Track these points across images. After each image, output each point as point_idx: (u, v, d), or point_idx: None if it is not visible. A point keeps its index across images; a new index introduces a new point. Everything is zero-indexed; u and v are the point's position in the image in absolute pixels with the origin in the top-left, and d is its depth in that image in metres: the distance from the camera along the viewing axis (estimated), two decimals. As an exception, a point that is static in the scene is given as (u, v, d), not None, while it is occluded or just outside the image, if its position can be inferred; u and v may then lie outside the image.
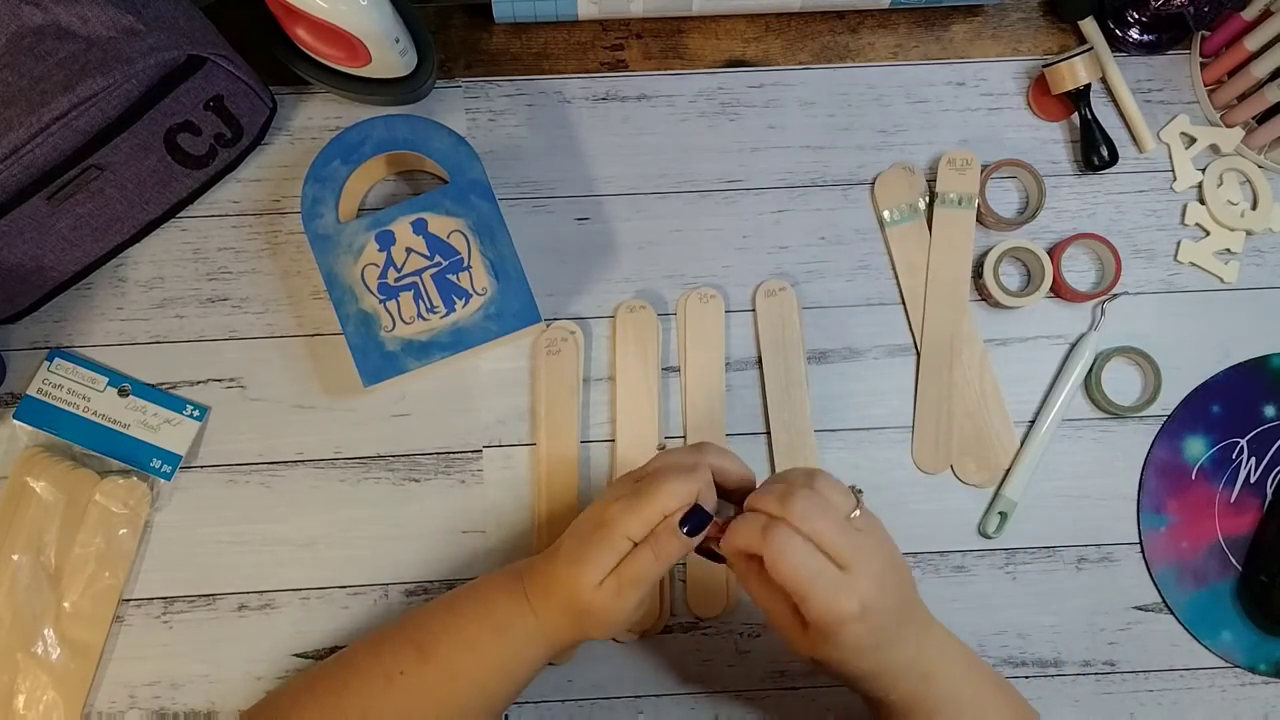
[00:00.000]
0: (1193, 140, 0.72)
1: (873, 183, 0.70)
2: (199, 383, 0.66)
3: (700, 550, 0.54)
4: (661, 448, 0.60)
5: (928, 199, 0.70)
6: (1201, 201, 0.71)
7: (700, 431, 0.66)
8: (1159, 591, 0.66)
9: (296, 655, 0.64)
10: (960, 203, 0.69)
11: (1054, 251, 0.69)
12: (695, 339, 0.67)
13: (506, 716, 0.64)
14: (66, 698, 0.61)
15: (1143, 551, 0.67)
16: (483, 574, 0.58)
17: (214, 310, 0.67)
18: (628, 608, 0.52)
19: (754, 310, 0.68)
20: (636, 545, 0.52)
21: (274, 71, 0.67)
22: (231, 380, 0.67)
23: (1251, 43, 0.68)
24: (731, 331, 0.68)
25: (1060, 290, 0.68)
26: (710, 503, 0.53)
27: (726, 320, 0.68)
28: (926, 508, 0.66)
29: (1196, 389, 0.69)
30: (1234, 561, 0.67)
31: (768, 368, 0.67)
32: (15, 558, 0.62)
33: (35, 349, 0.66)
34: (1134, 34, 0.72)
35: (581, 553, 0.52)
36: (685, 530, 0.51)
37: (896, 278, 0.69)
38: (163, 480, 0.64)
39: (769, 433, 0.67)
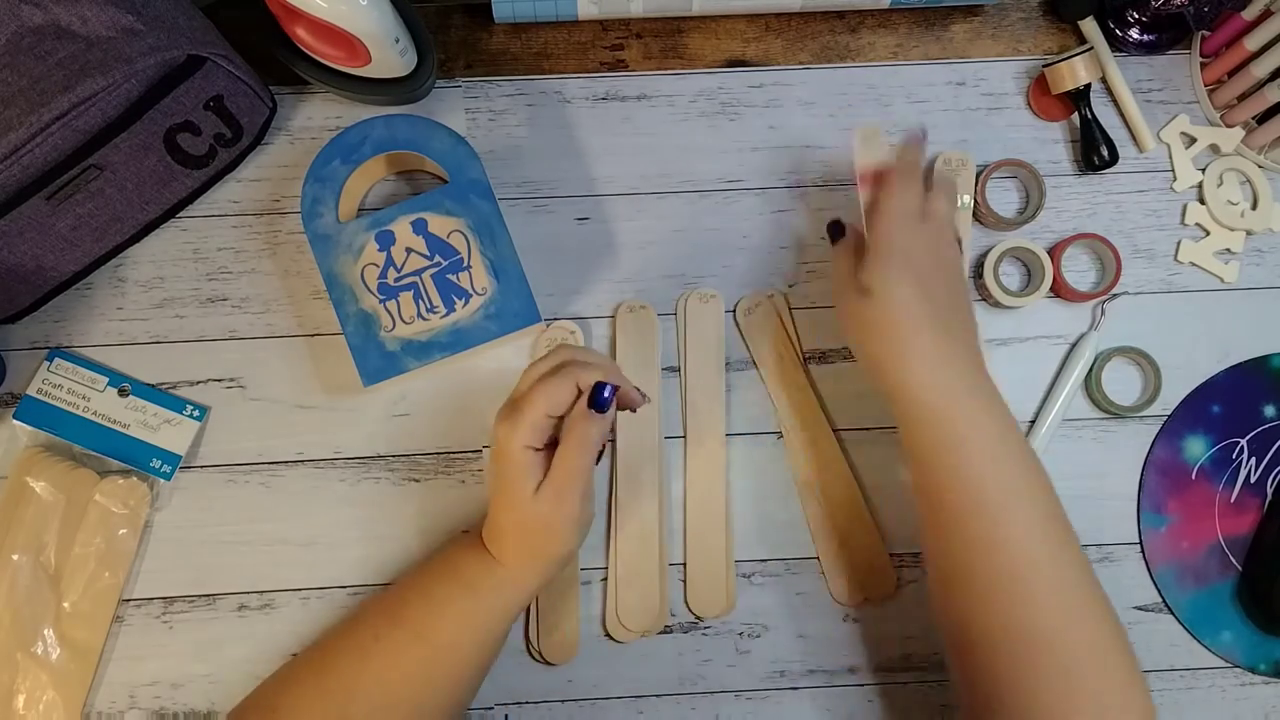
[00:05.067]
0: (1193, 140, 0.72)
1: (873, 183, 0.70)
2: (199, 383, 0.66)
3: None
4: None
5: (928, 199, 0.70)
6: (1201, 201, 0.71)
7: (700, 431, 0.66)
8: (1159, 591, 0.66)
9: (296, 655, 0.64)
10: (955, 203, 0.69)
11: (1054, 251, 0.69)
12: (695, 339, 0.67)
13: (506, 716, 0.64)
14: (66, 698, 0.61)
15: (1143, 551, 0.67)
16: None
17: (214, 310, 0.67)
18: (573, 509, 0.53)
19: (738, 327, 0.68)
20: (560, 447, 0.53)
21: (274, 71, 0.67)
22: (231, 380, 0.67)
23: (1251, 43, 0.68)
24: (731, 331, 0.68)
25: (1060, 290, 0.68)
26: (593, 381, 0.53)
27: (726, 320, 0.68)
28: (926, 508, 0.66)
29: (1196, 389, 0.69)
30: (1234, 561, 0.67)
31: (770, 384, 0.67)
32: (15, 558, 0.62)
33: (35, 349, 0.66)
34: (1134, 34, 0.72)
35: (498, 482, 0.54)
36: (595, 408, 0.52)
37: (896, 278, 0.69)
38: (163, 480, 0.64)
39: (779, 433, 0.67)
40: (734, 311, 0.68)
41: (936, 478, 0.54)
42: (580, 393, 0.53)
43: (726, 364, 0.68)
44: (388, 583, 0.65)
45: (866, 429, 0.68)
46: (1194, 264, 0.70)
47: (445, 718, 0.56)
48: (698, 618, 0.65)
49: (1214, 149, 0.72)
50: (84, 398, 0.65)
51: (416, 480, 0.66)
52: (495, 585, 0.55)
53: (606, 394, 0.53)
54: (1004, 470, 0.53)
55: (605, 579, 0.65)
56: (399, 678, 0.54)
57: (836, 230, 0.61)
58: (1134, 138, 0.72)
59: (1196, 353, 0.69)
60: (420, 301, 0.63)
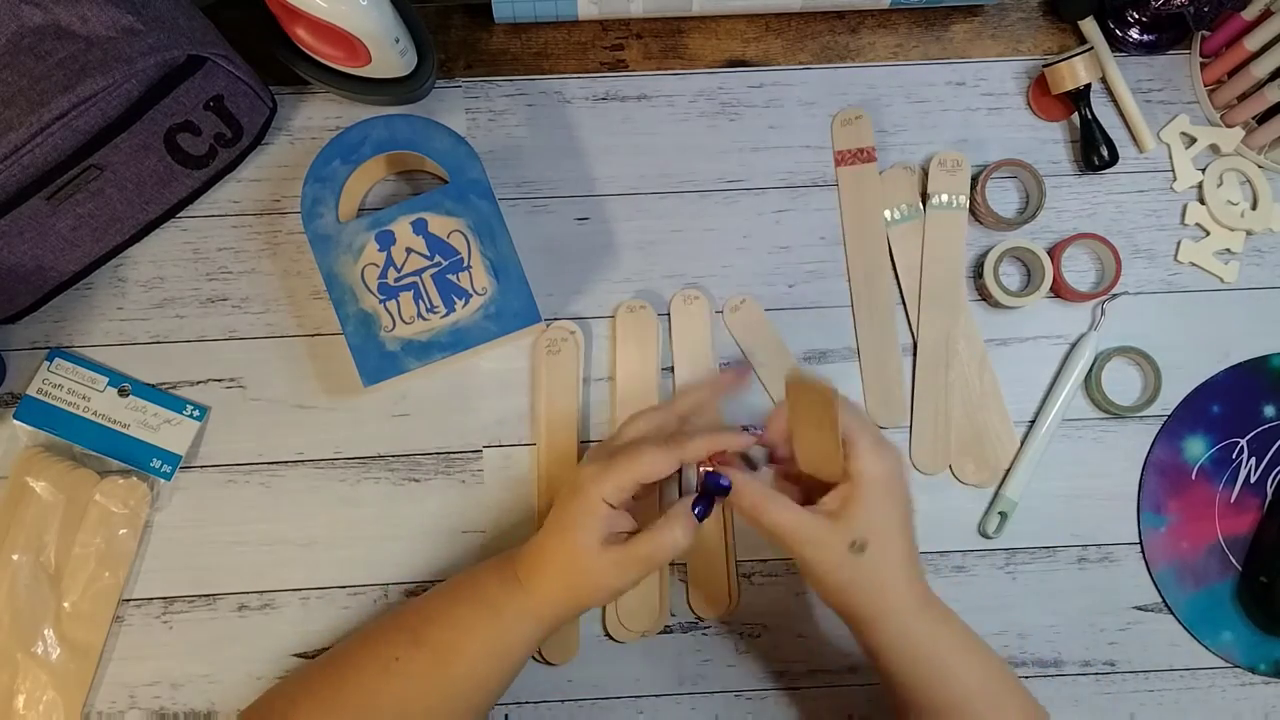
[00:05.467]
0: (1193, 140, 0.72)
1: (873, 183, 0.70)
2: (199, 383, 0.66)
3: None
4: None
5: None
6: (1201, 201, 0.71)
7: (700, 431, 0.66)
8: (1159, 591, 0.66)
9: (296, 655, 0.64)
10: (951, 203, 0.69)
11: (1054, 251, 0.69)
12: (683, 340, 0.67)
13: (506, 716, 0.64)
14: (66, 698, 0.61)
15: (1143, 551, 0.67)
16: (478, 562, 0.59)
17: (214, 310, 0.67)
18: (626, 583, 0.55)
19: (726, 328, 0.68)
20: (649, 529, 0.54)
21: (274, 71, 0.67)
22: (231, 380, 0.67)
23: (1251, 43, 0.68)
24: (722, 332, 0.68)
25: (1060, 290, 0.68)
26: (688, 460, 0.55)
27: (719, 320, 0.68)
28: (926, 508, 0.66)
29: (1196, 389, 0.69)
30: (1234, 561, 0.67)
31: (763, 375, 0.68)
32: (15, 558, 0.62)
33: (35, 349, 0.66)
34: (1134, 34, 0.72)
35: (564, 519, 0.54)
36: (697, 513, 0.54)
37: (897, 278, 0.69)
38: (163, 480, 0.64)
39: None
40: (723, 312, 0.68)
41: (926, 701, 0.54)
42: (679, 469, 0.54)
43: (725, 365, 0.68)
44: (387, 583, 0.65)
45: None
46: (1194, 264, 0.70)
47: None
48: (698, 618, 0.65)
49: (1214, 149, 0.72)
50: (84, 398, 0.65)
51: (416, 480, 0.66)
52: (520, 614, 0.55)
53: (698, 511, 0.54)
54: (980, 677, 0.54)
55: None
56: (418, 698, 0.54)
57: (718, 484, 0.54)
58: (1134, 138, 0.72)
59: (1196, 353, 0.69)
60: (420, 301, 0.63)
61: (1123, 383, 0.69)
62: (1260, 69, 0.68)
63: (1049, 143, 0.72)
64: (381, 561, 0.65)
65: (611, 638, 0.64)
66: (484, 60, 0.72)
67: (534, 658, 0.64)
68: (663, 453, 0.54)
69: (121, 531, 0.63)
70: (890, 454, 0.53)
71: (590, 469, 0.54)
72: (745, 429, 0.57)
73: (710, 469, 0.54)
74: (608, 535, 0.54)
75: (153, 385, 0.66)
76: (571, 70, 0.72)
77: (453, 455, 0.66)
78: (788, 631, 0.65)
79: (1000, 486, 0.67)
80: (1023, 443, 0.67)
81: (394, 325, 0.62)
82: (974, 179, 0.70)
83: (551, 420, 0.66)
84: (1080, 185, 0.71)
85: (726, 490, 0.54)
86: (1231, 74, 0.71)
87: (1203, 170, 0.71)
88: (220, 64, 0.60)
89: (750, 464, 0.59)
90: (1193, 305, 0.70)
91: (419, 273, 0.63)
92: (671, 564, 0.65)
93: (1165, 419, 0.68)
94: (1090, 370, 0.68)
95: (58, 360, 0.65)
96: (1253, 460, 0.68)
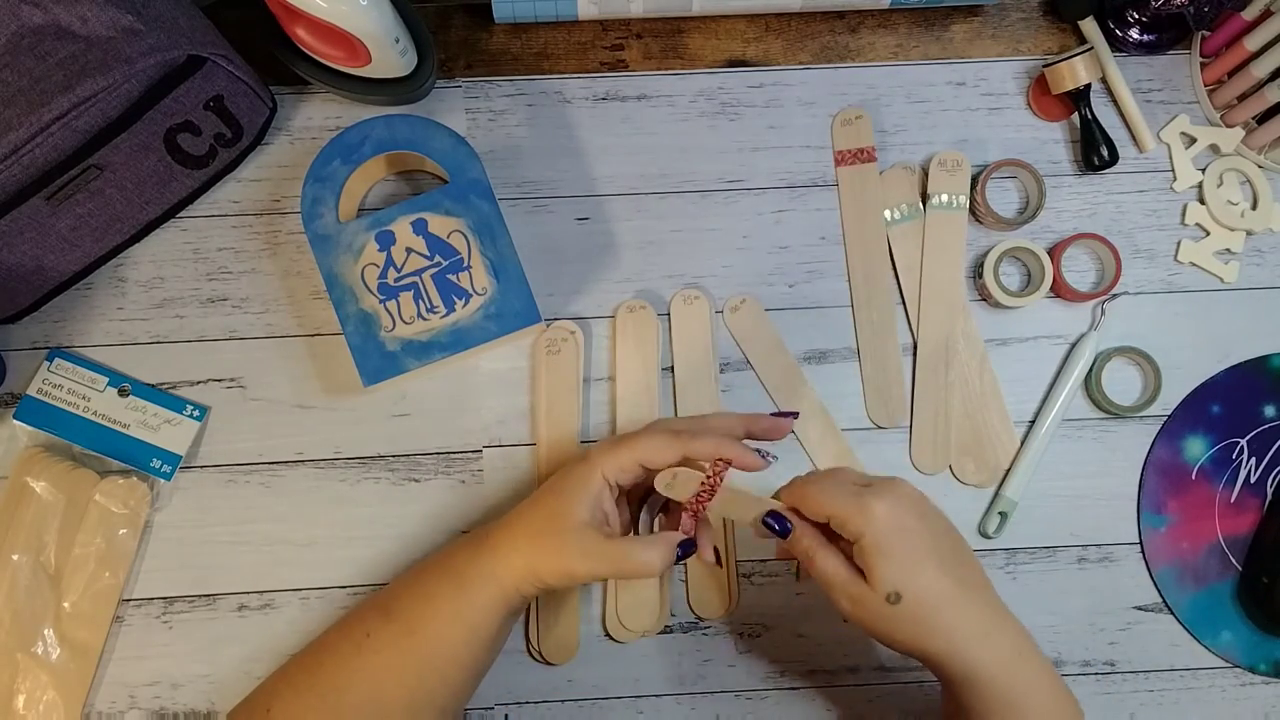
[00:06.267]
0: (1193, 140, 0.72)
1: (873, 183, 0.70)
2: (199, 383, 0.66)
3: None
4: None
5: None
6: (1201, 201, 0.71)
7: (700, 431, 0.66)
8: (1159, 591, 0.66)
9: (294, 654, 0.64)
10: (951, 203, 0.69)
11: (1054, 251, 0.69)
12: (683, 340, 0.67)
13: (506, 716, 0.64)
14: (66, 698, 0.61)
15: (1143, 551, 0.67)
16: None
17: (214, 310, 0.67)
18: (588, 573, 0.54)
19: (727, 328, 0.68)
20: (631, 540, 0.55)
21: (274, 71, 0.67)
22: (231, 380, 0.67)
23: (1251, 43, 0.68)
24: (722, 332, 0.68)
25: (1060, 290, 0.68)
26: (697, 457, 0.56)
27: (719, 320, 0.68)
28: (926, 508, 0.66)
29: (1196, 389, 0.69)
30: (1234, 561, 0.67)
31: (763, 375, 0.68)
32: (15, 558, 0.62)
33: (35, 349, 0.66)
34: (1134, 34, 0.72)
35: (562, 483, 0.56)
36: (680, 550, 0.55)
37: (897, 277, 0.69)
38: (163, 480, 0.64)
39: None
40: (723, 312, 0.68)
41: None
42: (684, 459, 0.55)
43: (724, 365, 0.68)
44: (387, 583, 0.64)
45: (866, 429, 0.68)
46: (1194, 264, 0.70)
47: (438, 716, 0.56)
48: (698, 618, 0.65)
49: (1214, 149, 0.72)
50: (84, 398, 0.65)
51: (416, 480, 0.66)
52: (483, 580, 0.55)
53: (681, 550, 0.56)
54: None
55: (605, 579, 0.65)
56: (390, 674, 0.54)
57: (781, 525, 0.54)
58: (1134, 138, 0.72)
59: (1196, 353, 0.69)
60: (420, 301, 0.63)
61: (1123, 383, 0.69)
62: (1260, 69, 0.68)
63: (1049, 143, 0.72)
64: (381, 561, 0.65)
65: (611, 638, 0.64)
66: (484, 60, 0.72)
67: (534, 658, 0.64)
68: (668, 440, 0.55)
69: (121, 531, 0.63)
70: (882, 500, 0.51)
71: (600, 445, 0.56)
72: (759, 451, 0.56)
73: (772, 513, 0.55)
74: (594, 513, 0.54)
75: (153, 385, 0.66)
76: (571, 70, 0.72)
77: (453, 455, 0.66)
78: (788, 631, 0.65)
79: (1000, 486, 0.67)
80: (1023, 443, 0.67)
81: (394, 325, 0.62)
82: (974, 179, 0.70)
83: (551, 420, 0.66)
84: (1080, 185, 0.71)
85: (787, 533, 0.54)
86: (1231, 74, 0.71)
87: (1203, 170, 0.71)
88: (220, 64, 0.60)
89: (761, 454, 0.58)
90: (1193, 305, 0.70)
91: (419, 273, 0.63)
92: (671, 564, 0.65)
93: (1165, 419, 0.68)
94: (1090, 370, 0.68)
95: (58, 360, 0.65)
96: (1253, 460, 0.68)
